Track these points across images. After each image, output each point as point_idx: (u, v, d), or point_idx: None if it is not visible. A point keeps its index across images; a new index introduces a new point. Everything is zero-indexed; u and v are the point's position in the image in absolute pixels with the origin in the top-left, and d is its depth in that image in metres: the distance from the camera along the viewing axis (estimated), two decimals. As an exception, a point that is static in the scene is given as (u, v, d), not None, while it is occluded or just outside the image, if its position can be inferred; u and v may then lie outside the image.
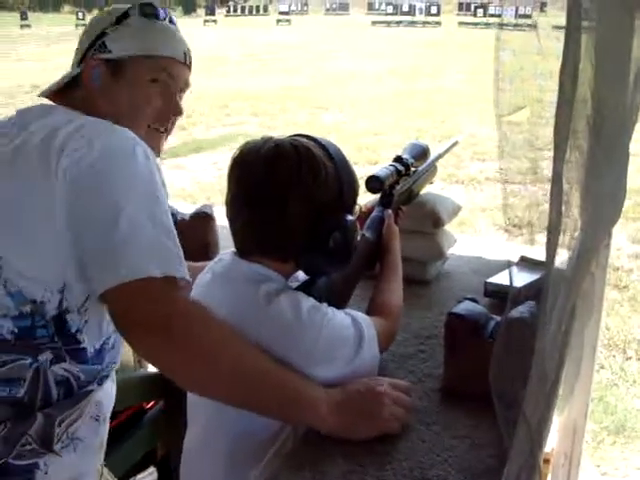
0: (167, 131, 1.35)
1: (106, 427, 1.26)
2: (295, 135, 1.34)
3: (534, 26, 0.87)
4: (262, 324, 1.20)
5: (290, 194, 1.24)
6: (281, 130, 9.01)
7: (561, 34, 0.76)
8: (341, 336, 1.26)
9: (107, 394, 1.24)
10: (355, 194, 1.35)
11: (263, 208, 1.26)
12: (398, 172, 1.63)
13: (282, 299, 1.24)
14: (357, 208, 1.37)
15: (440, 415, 1.29)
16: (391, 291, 1.47)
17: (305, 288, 1.31)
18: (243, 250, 1.32)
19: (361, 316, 1.32)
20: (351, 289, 1.45)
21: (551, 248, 0.94)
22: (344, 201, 1.30)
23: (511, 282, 1.11)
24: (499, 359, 1.00)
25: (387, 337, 1.38)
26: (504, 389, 1.02)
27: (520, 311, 1.31)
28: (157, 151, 1.29)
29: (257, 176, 1.26)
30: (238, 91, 12.15)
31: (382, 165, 1.63)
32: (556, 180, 0.82)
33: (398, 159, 1.66)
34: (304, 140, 1.31)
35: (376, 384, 1.23)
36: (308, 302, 1.26)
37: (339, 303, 1.35)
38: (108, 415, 1.26)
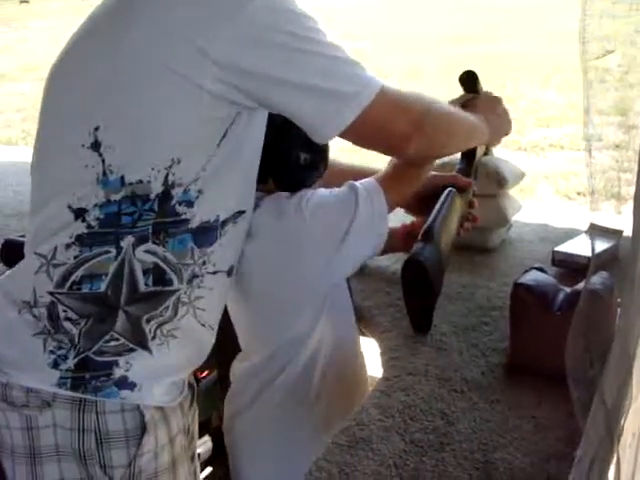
0: None
1: (212, 334, 1.18)
2: None
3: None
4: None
5: None
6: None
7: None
8: None
9: (208, 303, 1.13)
10: None
11: None
12: None
13: None
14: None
15: (505, 393, 1.21)
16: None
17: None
18: None
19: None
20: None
21: (637, 217, 0.84)
22: None
23: (593, 251, 1.01)
24: (576, 335, 0.90)
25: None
26: (580, 368, 0.93)
27: (593, 282, 1.22)
28: None
29: None
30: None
31: None
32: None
33: None
34: None
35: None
36: None
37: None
38: (214, 324, 1.18)
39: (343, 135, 1.06)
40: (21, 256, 1.13)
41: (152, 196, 1.00)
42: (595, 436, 0.95)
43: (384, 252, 1.54)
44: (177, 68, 0.96)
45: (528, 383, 1.22)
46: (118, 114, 0.99)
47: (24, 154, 3.70)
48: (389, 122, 1.10)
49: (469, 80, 1.52)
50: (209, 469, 1.96)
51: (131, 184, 0.99)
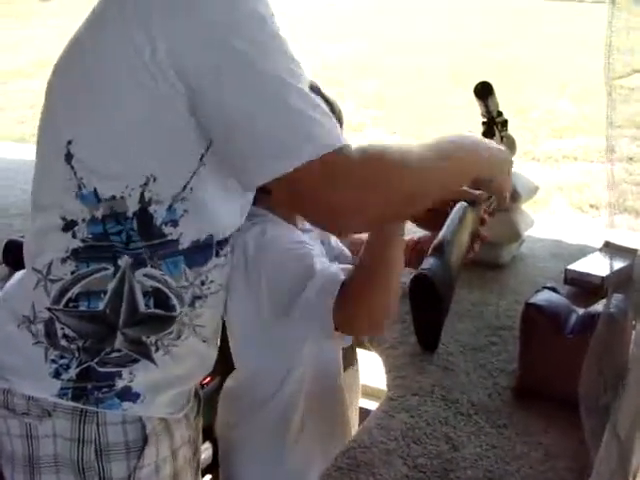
0: None
1: (214, 347, 1.16)
2: None
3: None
4: None
5: None
6: (352, 99, 8.83)
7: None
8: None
9: (206, 319, 1.09)
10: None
11: None
12: None
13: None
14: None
15: (513, 417, 1.16)
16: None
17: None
18: None
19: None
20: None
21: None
22: None
23: (611, 271, 0.97)
24: (593, 362, 0.86)
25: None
26: (594, 396, 0.89)
27: (608, 305, 1.17)
28: None
29: None
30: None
31: None
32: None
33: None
34: None
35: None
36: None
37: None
38: (215, 337, 1.15)
39: (272, 186, 0.86)
40: (22, 257, 1.10)
41: (129, 213, 0.95)
42: (607, 469, 0.91)
43: None
44: (134, 76, 0.88)
45: (537, 408, 1.18)
46: (88, 128, 0.94)
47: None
48: (329, 189, 0.85)
49: (484, 91, 1.49)
50: (208, 477, 1.93)
51: (106, 200, 0.95)
